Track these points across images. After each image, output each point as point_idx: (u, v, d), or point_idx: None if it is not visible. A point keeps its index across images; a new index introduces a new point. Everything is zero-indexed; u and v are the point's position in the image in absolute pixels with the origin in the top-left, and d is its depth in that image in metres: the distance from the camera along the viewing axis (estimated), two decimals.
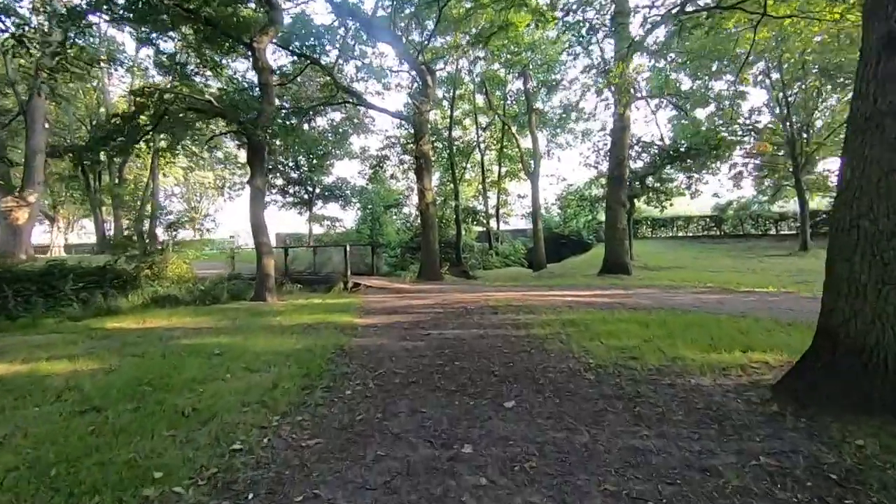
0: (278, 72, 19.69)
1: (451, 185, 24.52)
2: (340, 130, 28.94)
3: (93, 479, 2.55)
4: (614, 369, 4.43)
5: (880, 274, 2.99)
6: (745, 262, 20.94)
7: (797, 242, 24.20)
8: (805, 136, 22.15)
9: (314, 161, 29.55)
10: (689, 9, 8.41)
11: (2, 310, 9.42)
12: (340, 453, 2.87)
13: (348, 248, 15.04)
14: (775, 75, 23.16)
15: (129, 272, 13.60)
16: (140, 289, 10.79)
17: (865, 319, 3.05)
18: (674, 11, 8.29)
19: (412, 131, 20.10)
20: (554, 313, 7.96)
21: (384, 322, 7.77)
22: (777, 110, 23.63)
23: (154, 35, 15.10)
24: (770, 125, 18.66)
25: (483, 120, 29.88)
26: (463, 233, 23.35)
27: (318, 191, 30.25)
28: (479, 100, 28.86)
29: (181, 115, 12.71)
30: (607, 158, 23.03)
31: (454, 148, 25.82)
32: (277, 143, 21.57)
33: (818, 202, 27.85)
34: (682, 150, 19.95)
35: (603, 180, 23.73)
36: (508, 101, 28.37)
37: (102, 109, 27.35)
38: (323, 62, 17.87)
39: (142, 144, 13.68)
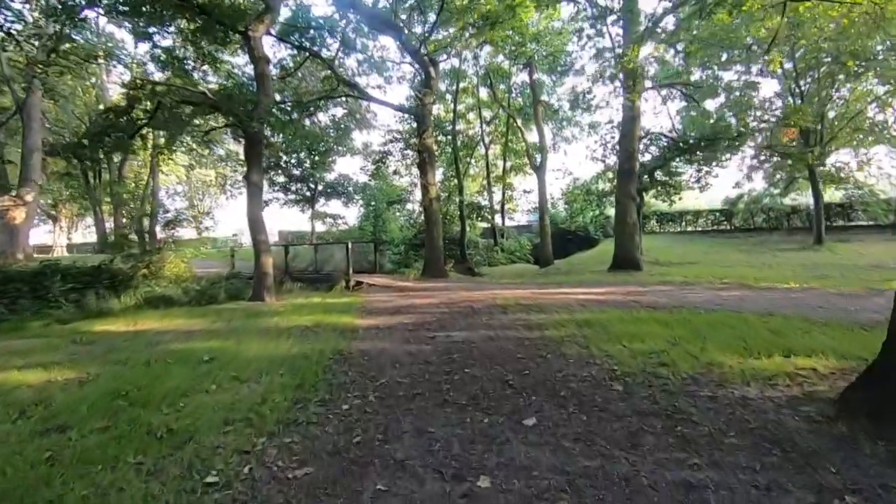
0: (278, 65, 19.35)
1: (455, 181, 24.02)
2: (342, 126, 28.47)
3: None
4: (643, 378, 3.95)
5: None
6: (757, 256, 20.36)
7: (810, 236, 23.54)
8: (819, 126, 21.45)
9: (316, 158, 29.11)
10: None
11: None
12: (333, 487, 2.42)
13: (350, 246, 14.58)
14: (788, 64, 22.50)
15: (125, 272, 13.20)
16: (133, 289, 10.36)
17: None
18: None
19: (415, 126, 19.63)
20: (567, 312, 7.48)
21: (387, 323, 7.32)
22: (789, 100, 22.97)
23: (151, 29, 14.67)
24: (797, 108, 17.97)
25: (487, 114, 29.33)
26: (467, 229, 22.86)
27: (320, 188, 29.81)
28: (483, 93, 28.32)
29: (176, 109, 12.30)
30: (614, 152, 22.53)
31: (458, 142, 25.30)
32: (277, 137, 21.17)
33: (830, 194, 27.13)
34: (692, 141, 19.34)
35: (610, 174, 23.18)
36: (513, 94, 27.80)
37: (101, 107, 26.95)
38: (324, 55, 17.40)
39: (137, 140, 13.24)
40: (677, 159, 21.51)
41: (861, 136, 23.62)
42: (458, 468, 2.58)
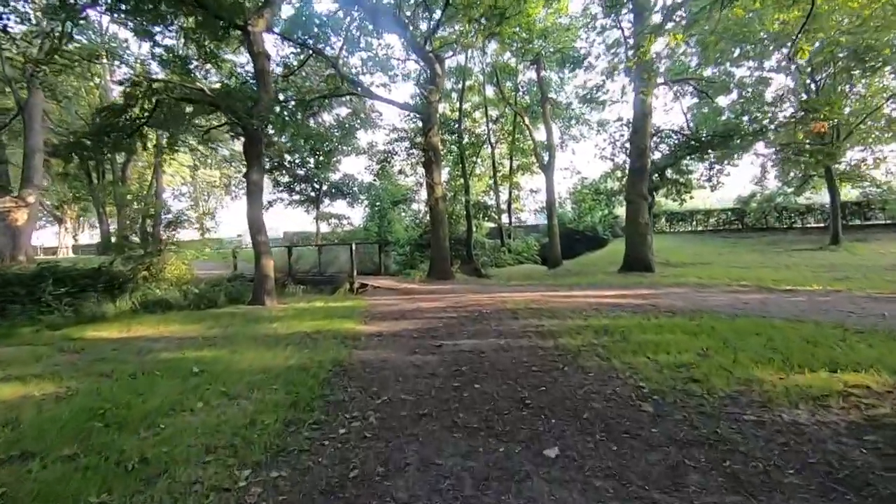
0: (281, 64, 19.05)
1: (462, 180, 23.61)
2: (347, 126, 28.16)
3: None
4: (675, 396, 3.54)
5: None
6: (772, 256, 19.81)
7: (825, 235, 22.96)
8: (835, 122, 20.85)
9: (321, 158, 28.81)
10: None
11: None
12: None
13: (354, 247, 14.22)
14: (801, 59, 21.91)
15: (125, 274, 12.92)
16: (128, 293, 10.05)
17: None
18: None
19: (420, 124, 19.26)
20: (581, 318, 7.08)
21: (391, 330, 6.94)
22: (804, 97, 22.38)
23: (151, 27, 14.41)
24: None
25: (493, 113, 28.91)
26: (474, 229, 22.43)
27: (325, 188, 29.51)
28: (490, 92, 27.90)
29: (175, 107, 12.00)
30: (624, 150, 22.02)
31: (464, 140, 24.89)
32: (281, 137, 20.85)
33: (845, 193, 26.48)
34: (704, 138, 18.81)
35: (619, 173, 22.68)
36: (520, 92, 27.36)
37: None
38: (327, 54, 17.09)
39: (137, 140, 12.96)
40: (688, 157, 21.00)
41: (877, 133, 23.03)
42: None
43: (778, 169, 25.43)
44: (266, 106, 9.66)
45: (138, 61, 23.80)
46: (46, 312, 8.74)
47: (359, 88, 17.77)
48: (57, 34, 15.50)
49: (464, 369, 4.65)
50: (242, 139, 11.17)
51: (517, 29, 20.45)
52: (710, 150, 20.05)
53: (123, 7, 11.69)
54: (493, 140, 29.19)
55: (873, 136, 23.11)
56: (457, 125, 22.71)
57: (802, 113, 20.35)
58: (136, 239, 18.22)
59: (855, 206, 25.18)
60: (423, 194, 22.33)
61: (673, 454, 2.65)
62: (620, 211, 28.74)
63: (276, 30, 16.75)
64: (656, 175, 19.73)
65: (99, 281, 12.12)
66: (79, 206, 32.02)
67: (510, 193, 30.93)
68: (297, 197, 30.21)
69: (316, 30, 16.49)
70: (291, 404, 3.73)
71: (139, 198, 17.55)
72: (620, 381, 3.99)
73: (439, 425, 3.23)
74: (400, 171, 27.38)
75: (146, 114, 11.43)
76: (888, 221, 23.69)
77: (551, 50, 22.60)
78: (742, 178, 63.56)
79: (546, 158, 22.79)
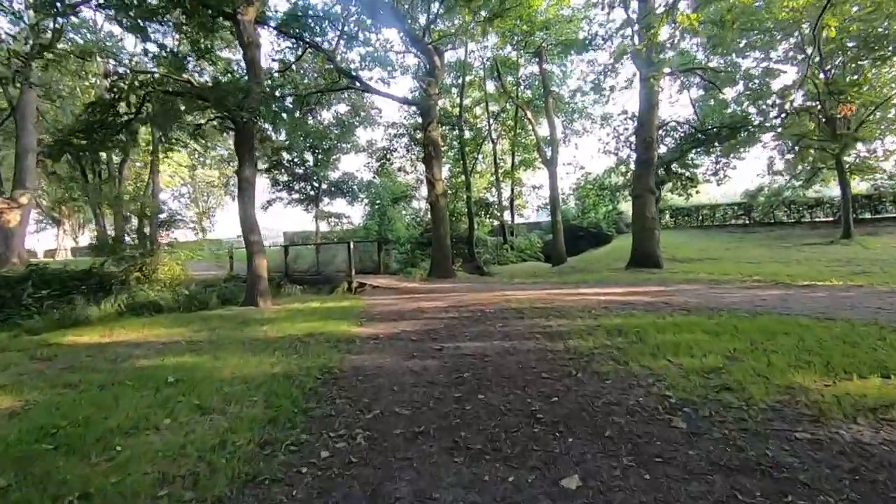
0: (277, 60, 18.60)
1: (463, 177, 23.15)
2: (346, 123, 27.72)
3: None
4: (709, 408, 3.08)
5: None
6: (782, 251, 19.29)
7: (835, 229, 22.43)
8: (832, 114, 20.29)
9: (319, 156, 28.39)
10: None
11: None
12: None
13: (352, 246, 13.77)
14: (811, 49, 21.38)
15: (117, 275, 12.51)
16: (115, 295, 9.61)
17: None
18: None
19: (419, 120, 18.80)
20: (591, 317, 6.63)
21: (388, 332, 6.49)
22: (811, 87, 21.83)
23: (144, 23, 13.99)
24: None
25: (494, 108, 28.41)
26: (476, 226, 21.98)
27: (324, 186, 29.10)
28: (491, 87, 27.44)
29: (166, 103, 11.57)
30: (628, 144, 21.51)
31: (465, 134, 24.41)
32: (278, 134, 20.39)
33: (854, 186, 25.89)
34: (712, 130, 18.31)
35: (623, 168, 22.19)
36: (521, 87, 26.87)
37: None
38: (324, 48, 16.62)
39: (126, 136, 12.53)
40: (695, 151, 20.51)
41: (886, 124, 22.47)
42: None
43: (786, 162, 24.90)
44: (257, 98, 9.22)
45: (133, 59, 23.42)
46: (27, 316, 8.33)
47: (357, 83, 17.31)
48: (48, 30, 15.12)
49: (466, 376, 4.19)
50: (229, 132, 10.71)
51: (518, 21, 20.04)
52: (716, 143, 19.56)
53: (113, 2, 11.30)
54: (494, 136, 28.73)
55: (881, 128, 22.56)
56: (457, 120, 22.23)
57: (813, 103, 19.86)
58: (130, 239, 17.90)
59: (865, 199, 24.62)
60: (424, 192, 21.86)
61: (719, 485, 2.19)
62: (624, 206, 28.33)
63: (272, 24, 16.30)
64: (662, 169, 19.25)
65: (89, 283, 11.72)
66: (70, 207, 31.61)
67: (512, 190, 30.46)
68: (296, 196, 29.81)
69: (311, 22, 16.01)
70: (270, 420, 3.28)
71: (134, 198, 17.10)
72: (643, 390, 3.53)
73: (438, 447, 2.78)
74: (400, 169, 26.92)
75: (135, 109, 11.02)
76: None
77: (553, 42, 22.12)
78: (746, 173, 62.93)
79: (549, 153, 22.28)
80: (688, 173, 21.49)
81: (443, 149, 24.36)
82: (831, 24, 6.00)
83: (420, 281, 14.86)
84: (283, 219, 79.08)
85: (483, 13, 17.19)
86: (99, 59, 23.30)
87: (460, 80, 23.87)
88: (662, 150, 19.95)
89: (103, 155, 24.35)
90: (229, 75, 16.34)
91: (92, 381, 4.47)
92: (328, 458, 2.69)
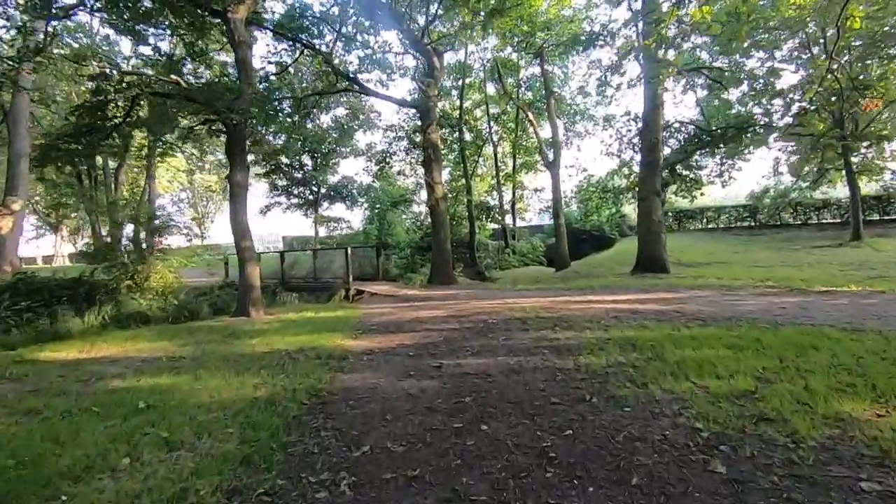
0: (274, 63, 18.27)
1: (463, 181, 22.76)
2: (345, 126, 27.41)
3: None
4: (749, 446, 2.65)
5: None
6: (790, 254, 18.84)
7: (843, 231, 22.02)
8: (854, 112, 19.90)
9: (318, 160, 28.08)
10: None
11: None
12: None
13: (349, 252, 13.37)
14: (817, 47, 21.05)
15: (107, 284, 12.13)
16: (99, 306, 9.21)
17: None
18: None
19: (419, 123, 18.44)
20: (600, 328, 6.21)
21: (384, 345, 6.08)
22: (813, 87, 21.44)
23: (137, 26, 13.68)
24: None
25: (495, 111, 28.06)
26: (477, 230, 21.56)
27: (323, 191, 28.78)
28: (491, 89, 27.11)
29: (157, 105, 11.21)
30: (631, 146, 21.13)
31: (465, 138, 24.04)
32: (276, 139, 20.06)
33: (863, 187, 25.46)
34: (718, 130, 17.92)
35: (626, 170, 21.81)
36: (522, 88, 26.53)
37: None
38: (322, 50, 16.28)
39: (116, 141, 12.18)
40: (700, 152, 20.12)
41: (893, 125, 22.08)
42: None
43: (790, 165, 24.51)
44: (248, 99, 8.84)
45: (129, 62, 23.12)
46: (4, 330, 7.92)
47: (355, 85, 16.96)
48: (39, 32, 14.80)
49: (467, 401, 3.78)
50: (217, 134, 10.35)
51: (518, 22, 19.70)
52: (722, 144, 19.16)
53: (105, 5, 10.98)
54: (494, 138, 28.37)
55: (890, 126, 22.16)
56: (457, 122, 21.86)
57: (816, 105, 19.45)
58: (125, 246, 17.46)
59: (874, 201, 24.18)
60: (424, 195, 21.45)
61: None
62: (626, 209, 27.91)
63: (268, 25, 15.98)
64: (667, 171, 18.84)
65: (78, 292, 11.33)
66: (60, 213, 31.30)
67: (513, 193, 30.08)
68: (294, 200, 29.51)
69: (308, 24, 15.67)
70: (244, 459, 2.86)
71: (127, 203, 16.70)
72: (668, 420, 3.11)
73: (434, 498, 2.36)
74: (399, 172, 26.57)
75: (124, 112, 10.67)
76: None
77: (554, 43, 21.78)
78: (750, 175, 62.44)
79: (551, 156, 21.89)
80: (692, 175, 21.13)
81: (443, 152, 24.02)
82: (856, 15, 5.60)
83: (420, 287, 14.44)
84: (282, 223, 78.74)
85: (482, 14, 16.87)
86: (94, 63, 23.05)
87: (460, 83, 23.54)
88: (666, 151, 19.56)
89: (99, 160, 24.09)
90: (225, 78, 16.02)
91: (56, 407, 4.06)
92: None
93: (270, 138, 21.59)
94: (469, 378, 4.40)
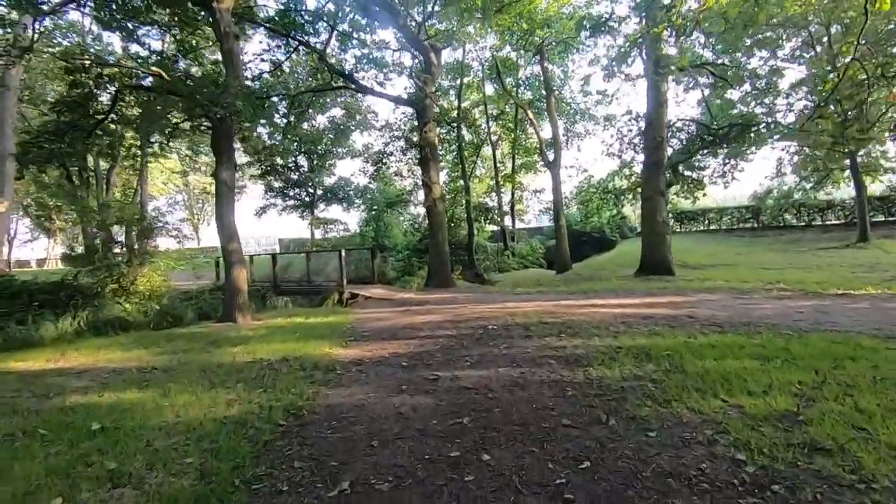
0: (267, 59, 17.84)
1: (461, 181, 22.30)
2: (341, 127, 26.94)
3: None
4: (808, 487, 2.18)
5: None
6: (796, 256, 18.44)
7: (848, 233, 21.64)
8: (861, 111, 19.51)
9: (314, 161, 27.61)
10: None
11: None
12: None
13: (343, 254, 12.88)
14: (820, 48, 20.77)
15: (91, 288, 11.63)
16: (74, 312, 8.71)
17: None
18: None
19: (415, 122, 17.98)
20: (609, 335, 5.75)
21: (376, 355, 5.60)
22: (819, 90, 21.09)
23: (126, 22, 13.24)
24: None
25: (493, 111, 27.62)
26: (475, 232, 21.09)
27: (319, 192, 28.29)
28: (489, 90, 26.70)
29: (145, 102, 10.75)
30: (632, 146, 20.71)
31: (463, 133, 23.60)
32: (253, 127, 19.44)
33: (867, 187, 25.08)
34: (722, 129, 17.50)
35: (627, 171, 21.38)
36: (522, 88, 26.12)
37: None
38: (316, 48, 15.83)
39: (101, 139, 11.73)
40: (703, 152, 19.72)
41: None
42: None
43: (794, 164, 24.11)
44: (233, 93, 8.38)
45: (120, 62, 22.64)
46: None
47: (350, 83, 16.51)
48: (24, 28, 14.36)
49: (466, 422, 3.30)
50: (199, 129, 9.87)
51: (518, 20, 19.30)
52: (725, 144, 18.76)
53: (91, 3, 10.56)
54: (493, 139, 27.94)
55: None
56: (456, 118, 21.41)
57: (823, 103, 19.04)
58: (118, 248, 16.95)
59: (878, 202, 23.79)
60: (421, 196, 20.97)
61: None
62: (627, 211, 27.48)
63: (262, 20, 15.54)
64: (669, 172, 18.41)
65: (59, 296, 10.83)
66: (52, 215, 30.80)
67: (513, 194, 29.63)
68: (290, 202, 29.00)
69: (301, 19, 15.23)
70: (198, 501, 2.39)
71: (110, 205, 16.17)
72: (703, 449, 2.64)
73: None
74: (396, 173, 26.09)
75: (107, 109, 10.22)
76: None
77: (555, 42, 21.40)
78: (753, 176, 62.37)
79: (551, 156, 21.45)
80: (695, 175, 20.71)
81: (441, 153, 23.55)
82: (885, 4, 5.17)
83: (417, 291, 13.97)
84: (280, 226, 78.33)
85: (479, 12, 16.43)
86: (86, 61, 22.57)
87: (458, 82, 23.11)
88: (668, 151, 19.13)
89: (91, 161, 23.57)
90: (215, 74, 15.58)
91: (0, 429, 3.57)
92: None
93: (265, 137, 21.13)
94: (468, 394, 3.93)
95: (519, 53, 23.59)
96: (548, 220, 30.83)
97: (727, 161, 21.43)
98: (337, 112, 27.20)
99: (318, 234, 29.64)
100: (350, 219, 40.04)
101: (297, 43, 15.97)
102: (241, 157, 29.35)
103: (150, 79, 9.44)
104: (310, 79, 21.18)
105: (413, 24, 16.27)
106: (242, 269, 9.26)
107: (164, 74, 8.71)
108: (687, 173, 20.64)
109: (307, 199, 28.34)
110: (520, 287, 14.35)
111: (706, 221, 28.67)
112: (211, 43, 17.19)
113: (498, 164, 28.23)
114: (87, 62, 9.39)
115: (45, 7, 12.99)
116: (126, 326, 8.36)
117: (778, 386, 3.51)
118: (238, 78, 8.93)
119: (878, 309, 7.01)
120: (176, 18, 9.88)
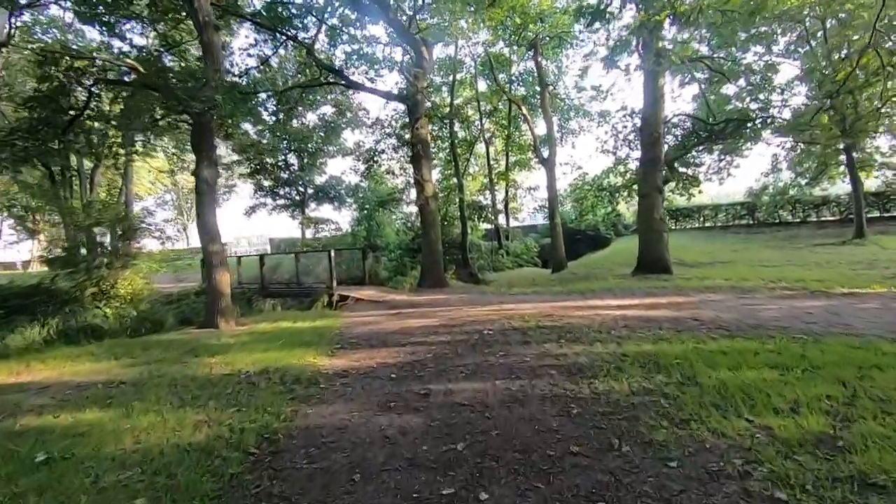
0: (253, 54, 17.35)
1: (455, 179, 21.91)
2: (332, 125, 26.45)
3: None
4: None
5: None
6: (794, 253, 18.21)
7: (844, 229, 21.51)
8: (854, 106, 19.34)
9: (305, 160, 27.11)
10: None
11: None
12: None
13: (332, 254, 12.46)
14: (815, 42, 20.59)
15: (69, 292, 11.12)
16: (43, 319, 8.24)
17: None
18: None
19: (407, 119, 17.55)
20: (612, 340, 5.40)
21: (363, 365, 5.21)
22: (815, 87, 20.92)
23: (106, 16, 12.71)
24: None
25: (486, 108, 27.24)
26: (469, 231, 20.72)
27: (310, 191, 27.79)
28: (482, 86, 26.31)
29: (129, 99, 10.26)
30: (627, 143, 20.45)
31: (455, 129, 23.19)
32: (234, 123, 18.94)
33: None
34: (717, 126, 17.26)
35: (622, 168, 21.13)
36: (515, 84, 25.76)
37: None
38: (304, 42, 15.36)
39: (79, 138, 11.24)
40: (699, 148, 19.50)
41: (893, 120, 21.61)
42: None
43: (790, 160, 23.94)
44: (213, 86, 7.93)
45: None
46: None
47: (339, 78, 16.06)
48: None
49: (461, 448, 2.93)
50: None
51: (510, 14, 18.93)
52: (721, 140, 18.53)
53: None
54: (487, 136, 27.57)
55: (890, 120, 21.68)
56: (448, 120, 21.01)
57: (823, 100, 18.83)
58: (103, 250, 16.43)
59: (874, 198, 23.68)
60: (414, 194, 20.56)
61: None
62: (621, 208, 27.23)
63: (247, 14, 15.06)
64: (665, 168, 18.14)
65: (33, 301, 10.34)
66: (41, 216, 30.12)
67: (507, 192, 29.29)
68: (281, 201, 28.48)
69: (289, 14, 14.76)
70: None
71: (89, 204, 15.59)
72: (734, 485, 2.28)
73: None
74: (388, 171, 25.63)
75: (82, 104, 9.72)
76: None
77: (549, 37, 21.05)
78: (748, 173, 62.62)
79: (546, 153, 21.10)
80: (690, 172, 20.51)
81: (433, 150, 23.14)
82: None
83: (409, 291, 13.58)
84: (270, 225, 77.53)
85: (471, 7, 16.03)
86: (67, 59, 21.92)
87: (450, 79, 22.70)
88: (664, 147, 18.86)
89: (75, 160, 22.93)
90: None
91: None
92: None
93: (253, 134, 20.63)
94: (462, 412, 3.56)
95: (512, 49, 23.22)
96: (542, 217, 30.53)
97: (723, 157, 21.27)
98: (327, 109, 26.74)
99: (310, 233, 29.15)
100: (341, 218, 39.45)
101: (284, 38, 15.50)
102: (230, 156, 28.84)
103: (131, 74, 8.95)
104: (298, 75, 20.72)
105: (404, 17, 15.85)
106: (225, 271, 8.82)
107: (139, 68, 8.25)
108: (682, 170, 20.44)
109: (298, 198, 27.85)
110: (515, 287, 13.98)
111: (701, 218, 28.50)
112: (194, 38, 16.71)
113: (491, 162, 27.86)
114: (57, 54, 8.82)
115: (21, 1, 12.52)
116: (100, 334, 7.90)
117: (805, 402, 3.16)
118: (218, 71, 8.47)
119: (889, 309, 6.71)
120: (154, 9, 9.38)
